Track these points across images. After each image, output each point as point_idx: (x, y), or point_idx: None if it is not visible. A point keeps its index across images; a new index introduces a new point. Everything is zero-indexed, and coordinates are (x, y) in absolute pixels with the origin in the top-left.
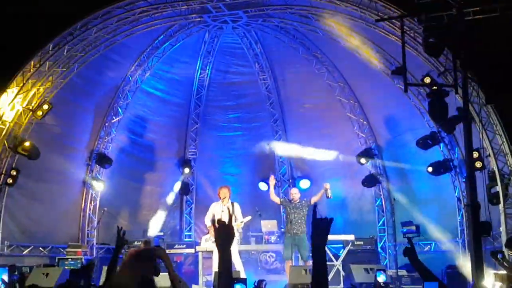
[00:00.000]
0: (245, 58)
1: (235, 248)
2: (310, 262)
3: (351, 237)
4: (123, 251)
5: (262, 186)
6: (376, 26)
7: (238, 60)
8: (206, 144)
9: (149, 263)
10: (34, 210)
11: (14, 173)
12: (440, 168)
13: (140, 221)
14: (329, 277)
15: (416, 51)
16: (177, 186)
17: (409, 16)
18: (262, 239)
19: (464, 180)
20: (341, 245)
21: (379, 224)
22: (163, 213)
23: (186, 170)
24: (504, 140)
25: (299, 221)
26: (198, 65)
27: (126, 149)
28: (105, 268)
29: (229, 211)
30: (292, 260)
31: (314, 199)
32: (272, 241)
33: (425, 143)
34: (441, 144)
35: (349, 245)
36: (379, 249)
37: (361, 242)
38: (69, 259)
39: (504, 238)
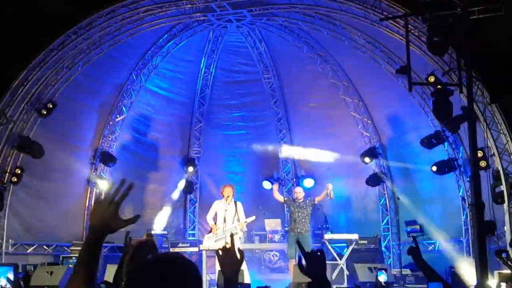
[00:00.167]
0: (249, 57)
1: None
2: None
3: (355, 236)
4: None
5: (266, 184)
6: (381, 25)
7: (242, 59)
8: (210, 143)
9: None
10: (39, 208)
11: (19, 172)
12: (445, 167)
13: (144, 219)
14: (333, 276)
15: (421, 50)
16: (182, 183)
17: (414, 15)
18: (266, 238)
19: (468, 179)
20: (345, 244)
21: (383, 223)
22: (167, 212)
23: (190, 168)
24: (509, 139)
25: (303, 220)
26: (202, 64)
27: (130, 147)
28: (109, 266)
29: (232, 239)
30: (296, 259)
31: (317, 199)
32: (276, 240)
33: (430, 142)
34: (446, 143)
35: (353, 244)
36: (383, 248)
37: (365, 241)
38: (73, 258)
39: (508, 237)
